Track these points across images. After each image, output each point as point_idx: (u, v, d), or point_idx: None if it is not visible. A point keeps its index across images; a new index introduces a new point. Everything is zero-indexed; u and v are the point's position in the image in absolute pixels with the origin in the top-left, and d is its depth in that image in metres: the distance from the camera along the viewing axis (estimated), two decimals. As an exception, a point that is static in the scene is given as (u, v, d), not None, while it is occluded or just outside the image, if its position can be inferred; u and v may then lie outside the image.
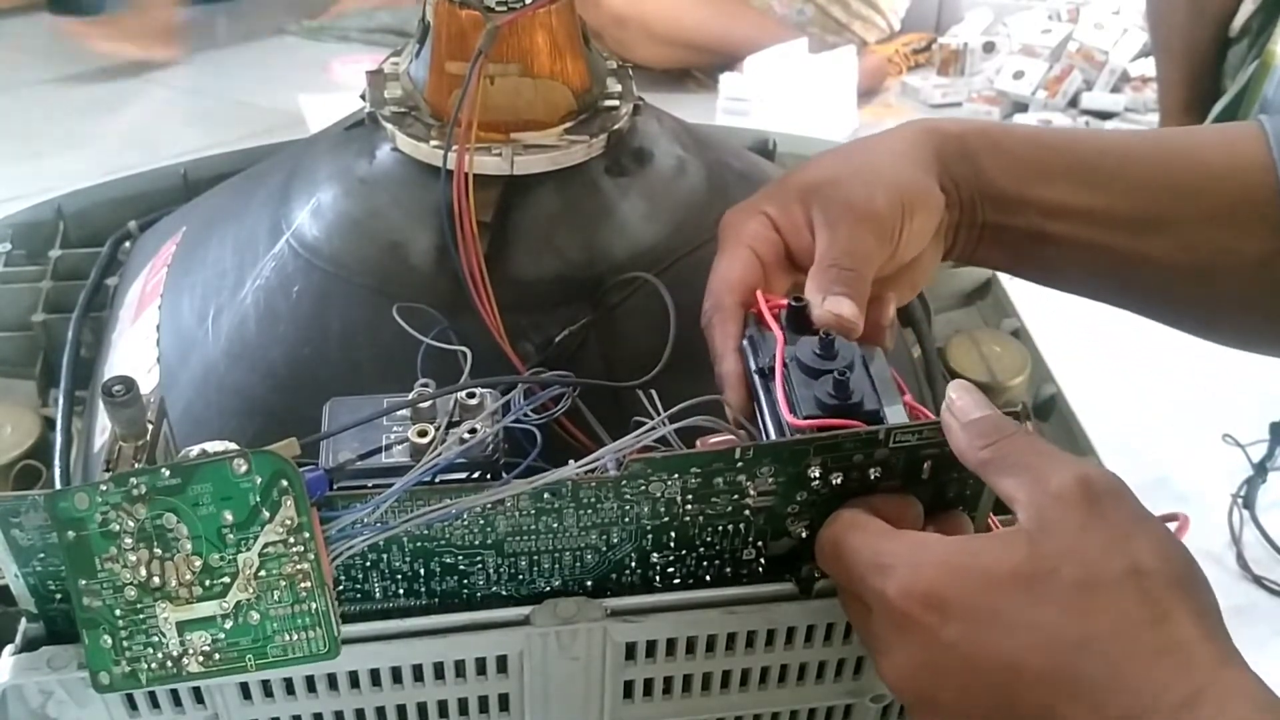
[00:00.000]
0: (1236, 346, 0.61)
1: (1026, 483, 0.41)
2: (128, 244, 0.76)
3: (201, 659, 0.41)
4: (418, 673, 0.46)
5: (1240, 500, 1.24)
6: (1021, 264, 0.58)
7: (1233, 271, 0.56)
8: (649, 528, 0.46)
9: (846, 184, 0.52)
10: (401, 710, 0.48)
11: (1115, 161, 0.56)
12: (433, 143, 0.57)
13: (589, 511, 0.45)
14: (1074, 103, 2.36)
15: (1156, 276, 0.57)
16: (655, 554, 0.47)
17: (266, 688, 0.45)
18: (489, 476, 0.44)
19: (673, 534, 0.46)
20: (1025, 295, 0.76)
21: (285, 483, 0.39)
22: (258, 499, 0.40)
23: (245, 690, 0.45)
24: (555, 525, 0.45)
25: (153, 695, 0.45)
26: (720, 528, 0.46)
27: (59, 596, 0.43)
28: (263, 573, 0.40)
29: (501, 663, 0.46)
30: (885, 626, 0.41)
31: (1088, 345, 1.34)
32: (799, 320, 0.49)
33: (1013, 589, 0.39)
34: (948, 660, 0.40)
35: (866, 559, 0.42)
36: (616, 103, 0.60)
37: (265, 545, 0.40)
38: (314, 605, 0.41)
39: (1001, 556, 0.40)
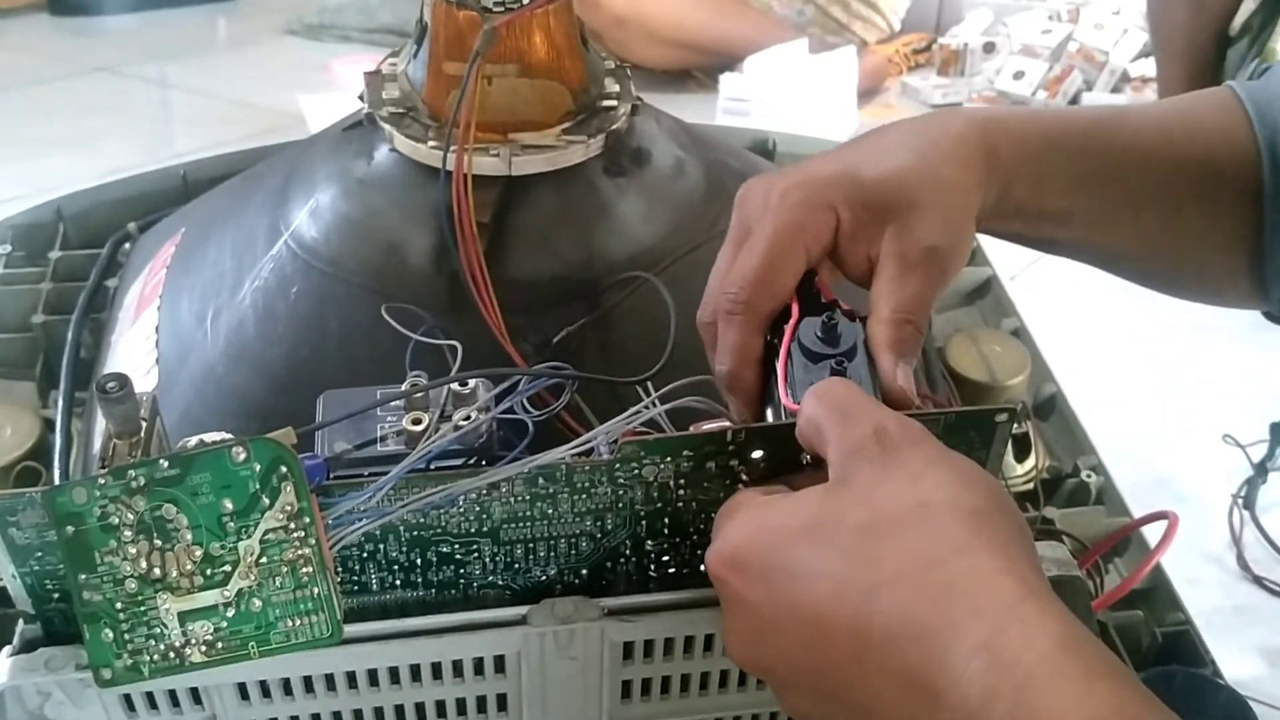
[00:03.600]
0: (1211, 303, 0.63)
1: (831, 443, 0.40)
2: (127, 245, 0.76)
3: (204, 648, 0.41)
4: (415, 673, 0.46)
5: (1240, 500, 1.24)
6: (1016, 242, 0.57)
7: (1226, 242, 0.58)
8: (643, 513, 0.46)
9: (927, 216, 0.48)
10: (400, 710, 0.48)
11: (1130, 160, 0.56)
12: (430, 143, 0.57)
13: (583, 497, 0.45)
14: (1074, 103, 2.36)
15: (1156, 259, 0.58)
16: (650, 541, 0.47)
17: (264, 688, 0.45)
18: (484, 463, 0.44)
19: (666, 520, 0.46)
20: (1025, 295, 0.77)
21: (284, 469, 0.40)
22: (257, 486, 0.40)
23: (243, 691, 0.45)
24: (550, 511, 0.45)
25: (150, 697, 0.45)
26: (714, 514, 0.46)
27: (56, 596, 0.43)
28: (264, 559, 0.40)
29: (499, 662, 0.46)
30: (720, 599, 0.41)
31: (1088, 345, 1.34)
32: (807, 295, 0.48)
33: (802, 541, 0.38)
34: (760, 622, 0.39)
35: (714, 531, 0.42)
36: (614, 103, 0.60)
37: (266, 532, 0.40)
38: (316, 590, 0.41)
39: (794, 511, 0.39)
